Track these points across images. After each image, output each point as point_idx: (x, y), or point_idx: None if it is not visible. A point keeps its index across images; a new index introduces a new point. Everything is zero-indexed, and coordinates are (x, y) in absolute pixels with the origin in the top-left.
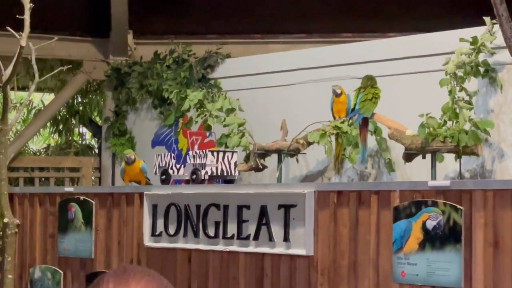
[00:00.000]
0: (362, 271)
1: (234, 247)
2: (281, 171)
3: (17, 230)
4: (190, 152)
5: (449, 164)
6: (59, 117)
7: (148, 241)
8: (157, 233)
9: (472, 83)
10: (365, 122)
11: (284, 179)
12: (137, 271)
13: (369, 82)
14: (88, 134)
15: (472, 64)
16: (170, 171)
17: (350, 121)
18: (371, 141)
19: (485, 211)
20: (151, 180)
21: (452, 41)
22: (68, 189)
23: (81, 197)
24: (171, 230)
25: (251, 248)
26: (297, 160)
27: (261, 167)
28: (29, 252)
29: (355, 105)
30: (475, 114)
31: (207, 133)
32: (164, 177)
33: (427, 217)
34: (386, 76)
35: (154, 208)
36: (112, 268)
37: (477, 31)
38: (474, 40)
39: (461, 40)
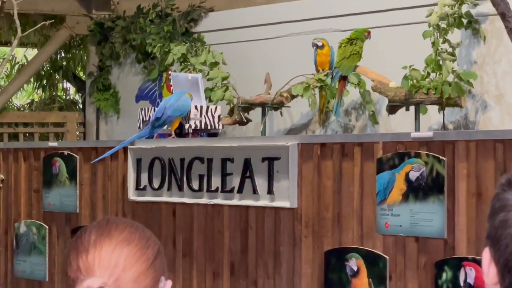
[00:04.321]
0: (346, 223)
1: (219, 200)
2: (265, 124)
3: (1, 185)
4: None
5: (432, 116)
6: (43, 72)
7: (132, 195)
8: (141, 187)
9: (455, 35)
10: (343, 78)
11: (268, 132)
12: (119, 222)
13: (349, 40)
14: (72, 89)
15: (455, 15)
16: None
17: (332, 75)
18: (355, 93)
19: (468, 162)
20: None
21: None
22: (52, 144)
23: (65, 152)
24: (156, 184)
25: (236, 201)
26: (281, 114)
27: (245, 120)
28: (14, 207)
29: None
30: (458, 65)
31: None
32: None
33: (410, 168)
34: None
35: (138, 162)
36: (99, 219)
37: None
38: None
39: None
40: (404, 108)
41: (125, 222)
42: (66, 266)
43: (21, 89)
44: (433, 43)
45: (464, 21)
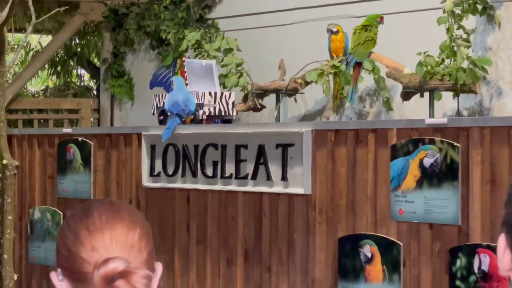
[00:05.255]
0: (360, 209)
1: (233, 187)
2: (279, 110)
3: (16, 171)
4: None
5: (447, 102)
6: (57, 59)
7: (146, 182)
8: (155, 174)
9: (470, 21)
10: (358, 65)
11: (282, 119)
12: (123, 203)
13: (363, 26)
14: (86, 76)
15: (470, 1)
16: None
17: (347, 62)
18: (370, 80)
19: (482, 148)
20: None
21: None
22: (66, 130)
23: (80, 138)
24: (170, 170)
25: (249, 187)
26: (295, 100)
27: (259, 107)
28: (28, 193)
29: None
30: (473, 52)
31: None
32: (162, 117)
33: (424, 154)
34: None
35: (152, 148)
36: (95, 200)
37: None
38: None
39: None
40: (418, 95)
41: (126, 203)
42: (65, 244)
43: (36, 75)
44: (448, 29)
45: (479, 7)
